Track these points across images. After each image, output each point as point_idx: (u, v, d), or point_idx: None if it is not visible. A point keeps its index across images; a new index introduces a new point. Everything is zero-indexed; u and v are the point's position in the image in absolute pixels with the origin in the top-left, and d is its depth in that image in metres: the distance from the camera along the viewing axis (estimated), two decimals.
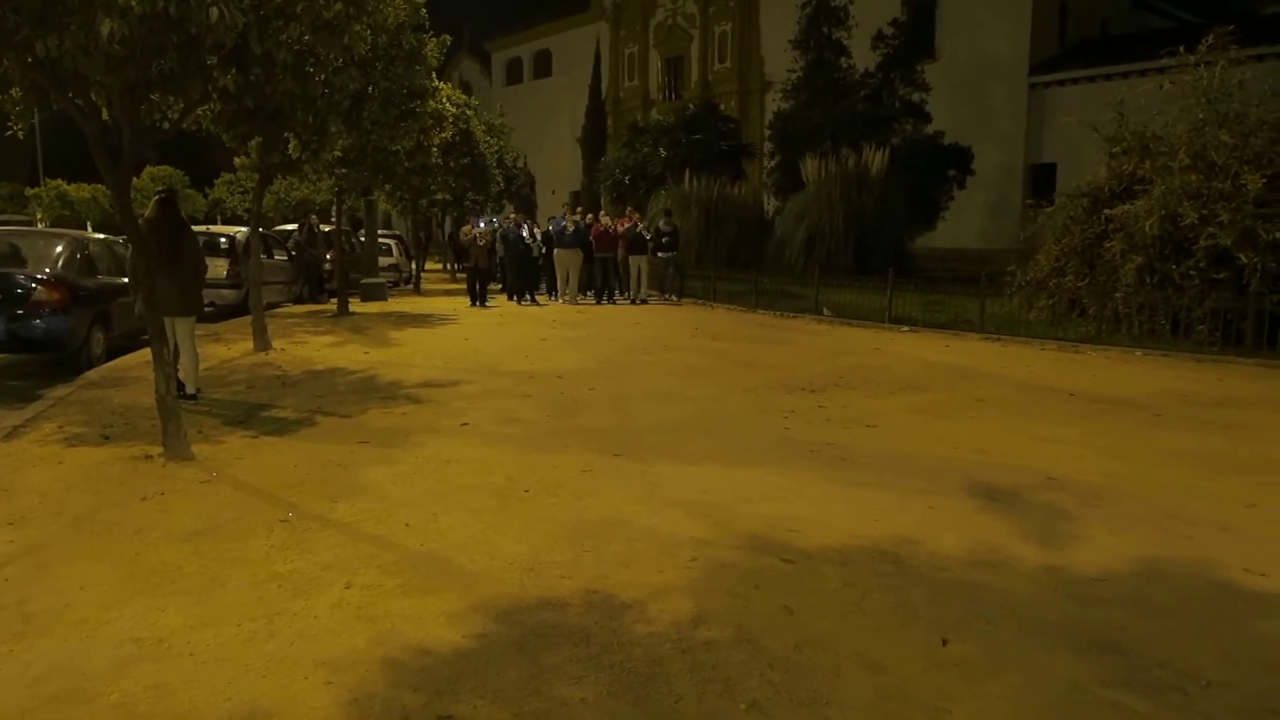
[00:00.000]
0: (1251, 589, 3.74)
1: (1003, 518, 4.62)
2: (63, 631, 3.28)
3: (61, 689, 2.87)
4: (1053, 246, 12.92)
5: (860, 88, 24.89)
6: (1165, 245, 10.91)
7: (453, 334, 12.69)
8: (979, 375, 9.22)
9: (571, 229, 17.38)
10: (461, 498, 4.89)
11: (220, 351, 10.35)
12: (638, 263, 17.93)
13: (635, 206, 21.09)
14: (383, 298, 18.30)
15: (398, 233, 28.67)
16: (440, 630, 3.28)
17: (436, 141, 14.75)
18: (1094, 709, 2.80)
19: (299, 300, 17.66)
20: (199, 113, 7.70)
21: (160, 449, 5.64)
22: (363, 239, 22.10)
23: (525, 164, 33.41)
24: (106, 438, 6.19)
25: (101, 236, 11.16)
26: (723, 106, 31.85)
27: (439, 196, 21.87)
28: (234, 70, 5.90)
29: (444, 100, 14.65)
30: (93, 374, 8.77)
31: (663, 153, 25.20)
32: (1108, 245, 11.70)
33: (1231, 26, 11.75)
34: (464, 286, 19.04)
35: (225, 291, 14.38)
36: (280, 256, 17.15)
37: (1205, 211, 10.41)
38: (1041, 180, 25.46)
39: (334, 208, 17.58)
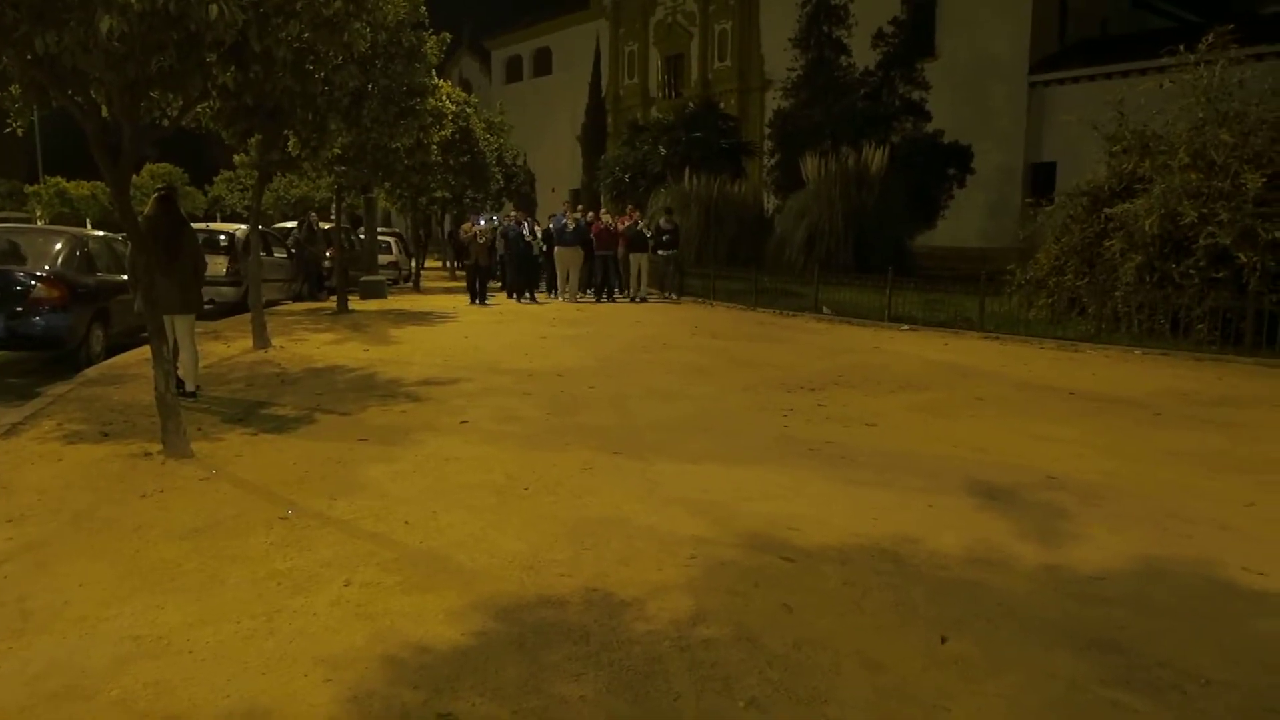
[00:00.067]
0: (1251, 588, 3.74)
1: (1002, 516, 4.62)
2: (62, 629, 3.28)
3: (61, 686, 2.87)
4: (1052, 245, 12.92)
5: (860, 86, 24.88)
6: (1165, 244, 10.91)
7: (452, 332, 12.69)
8: (978, 374, 9.22)
9: (572, 227, 17.37)
10: (461, 495, 4.89)
11: (220, 349, 10.35)
12: (638, 261, 17.91)
13: (635, 205, 21.08)
14: (382, 295, 18.29)
15: (397, 230, 28.67)
16: (439, 628, 3.28)
17: (436, 139, 14.74)
18: (1093, 708, 2.80)
19: (298, 298, 17.65)
20: (198, 110, 7.69)
21: (159, 446, 5.64)
22: (362, 236, 22.08)
23: (525, 162, 33.41)
24: (106, 435, 6.19)
25: (101, 234, 11.14)
26: (723, 105, 31.84)
27: (438, 194, 21.85)
28: (233, 67, 5.89)
29: (444, 98, 14.63)
30: (92, 371, 8.77)
31: (662, 151, 25.18)
32: (1107, 244, 11.70)
33: (1231, 26, 11.74)
34: (464, 284, 19.04)
35: (225, 289, 14.37)
36: (280, 254, 17.14)
37: (1205, 210, 10.41)
38: (1041, 179, 25.46)
39: (333, 205, 17.56)
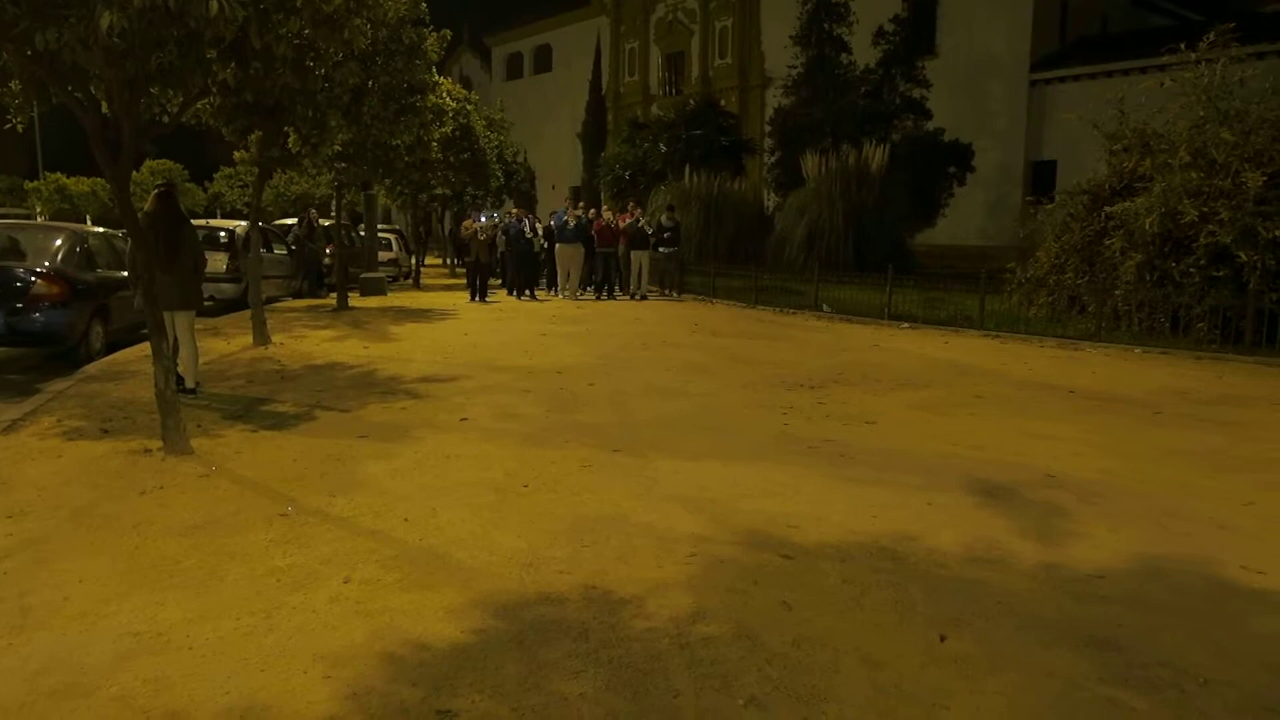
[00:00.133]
0: (1249, 586, 3.75)
1: (1001, 514, 4.63)
2: (61, 625, 3.28)
3: (60, 682, 2.87)
4: (1052, 244, 12.93)
5: (861, 84, 24.89)
6: (1165, 243, 10.91)
7: (452, 329, 12.68)
8: (978, 372, 9.22)
9: (573, 224, 17.36)
10: (460, 493, 4.89)
11: (219, 346, 10.35)
12: (639, 258, 17.90)
13: (635, 202, 21.07)
14: (382, 292, 18.29)
15: (397, 227, 28.65)
16: (439, 625, 3.28)
17: (436, 136, 14.74)
18: (1091, 706, 2.80)
19: (298, 295, 17.65)
20: (198, 106, 7.70)
21: (159, 443, 5.64)
22: (362, 234, 22.09)
23: (525, 159, 33.40)
24: (106, 432, 6.19)
25: (101, 230, 11.15)
26: (723, 102, 31.84)
27: (439, 191, 21.86)
28: (233, 64, 5.88)
29: (444, 95, 14.66)
30: (92, 368, 8.77)
31: (663, 148, 25.18)
32: (1108, 243, 11.70)
33: (1232, 24, 11.74)
34: (464, 281, 19.04)
35: (225, 286, 14.38)
36: (280, 251, 17.14)
37: (1205, 209, 10.41)
38: (1042, 177, 25.47)
39: (333, 202, 17.56)
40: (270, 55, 5.65)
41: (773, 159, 27.12)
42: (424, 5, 12.31)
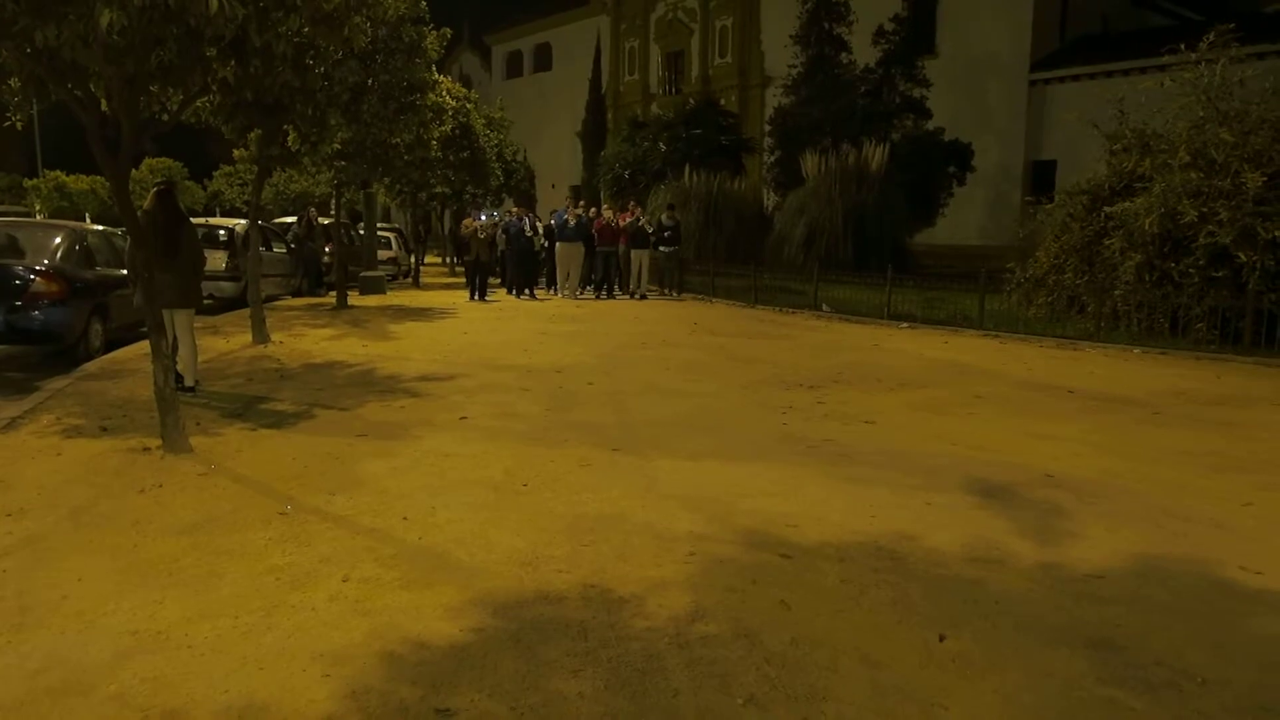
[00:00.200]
0: (1248, 587, 3.75)
1: (1000, 514, 4.63)
2: (60, 623, 3.28)
3: (59, 681, 2.87)
4: (1052, 244, 12.92)
5: (860, 83, 24.88)
6: (1164, 243, 10.91)
7: (452, 328, 12.68)
8: (977, 372, 9.22)
9: (573, 223, 17.35)
10: (459, 491, 4.89)
11: (219, 344, 10.35)
12: (639, 257, 17.90)
13: (636, 201, 21.06)
14: (382, 291, 18.28)
15: (397, 226, 28.64)
16: (438, 624, 3.28)
17: (436, 135, 14.73)
18: (1090, 706, 2.80)
19: (298, 293, 17.65)
20: (198, 105, 7.69)
21: (158, 441, 5.64)
22: (362, 232, 22.08)
23: (525, 158, 33.39)
24: (105, 430, 6.19)
25: (100, 228, 11.14)
26: (723, 101, 31.81)
27: (438, 190, 21.87)
28: (233, 62, 5.88)
29: (444, 93, 14.65)
30: (91, 366, 8.77)
31: (662, 147, 25.15)
32: (1107, 243, 11.70)
33: (1233, 24, 11.74)
34: (463, 280, 19.03)
35: (224, 284, 14.38)
36: (279, 249, 17.14)
37: (1205, 209, 10.41)
38: (1041, 177, 25.47)
39: (333, 201, 17.55)
40: (270, 53, 5.64)
41: (772, 158, 27.10)
42: (424, 3, 12.32)
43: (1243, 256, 10.08)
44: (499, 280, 18.80)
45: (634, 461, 5.57)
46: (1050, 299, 12.66)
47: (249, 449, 5.78)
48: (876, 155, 20.68)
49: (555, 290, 18.41)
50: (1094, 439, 6.36)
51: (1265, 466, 5.69)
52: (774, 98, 30.05)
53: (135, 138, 5.61)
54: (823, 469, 5.45)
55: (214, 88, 6.40)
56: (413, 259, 23.81)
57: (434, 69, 13.30)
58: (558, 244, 17.60)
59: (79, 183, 38.60)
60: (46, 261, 8.91)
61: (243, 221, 14.86)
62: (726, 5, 36.73)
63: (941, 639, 3.22)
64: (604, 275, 18.18)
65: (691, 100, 30.29)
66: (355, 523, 4.39)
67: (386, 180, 17.76)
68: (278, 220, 23.08)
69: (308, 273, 18.14)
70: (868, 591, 3.64)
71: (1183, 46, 11.69)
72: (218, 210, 39.43)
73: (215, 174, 43.45)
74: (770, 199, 26.35)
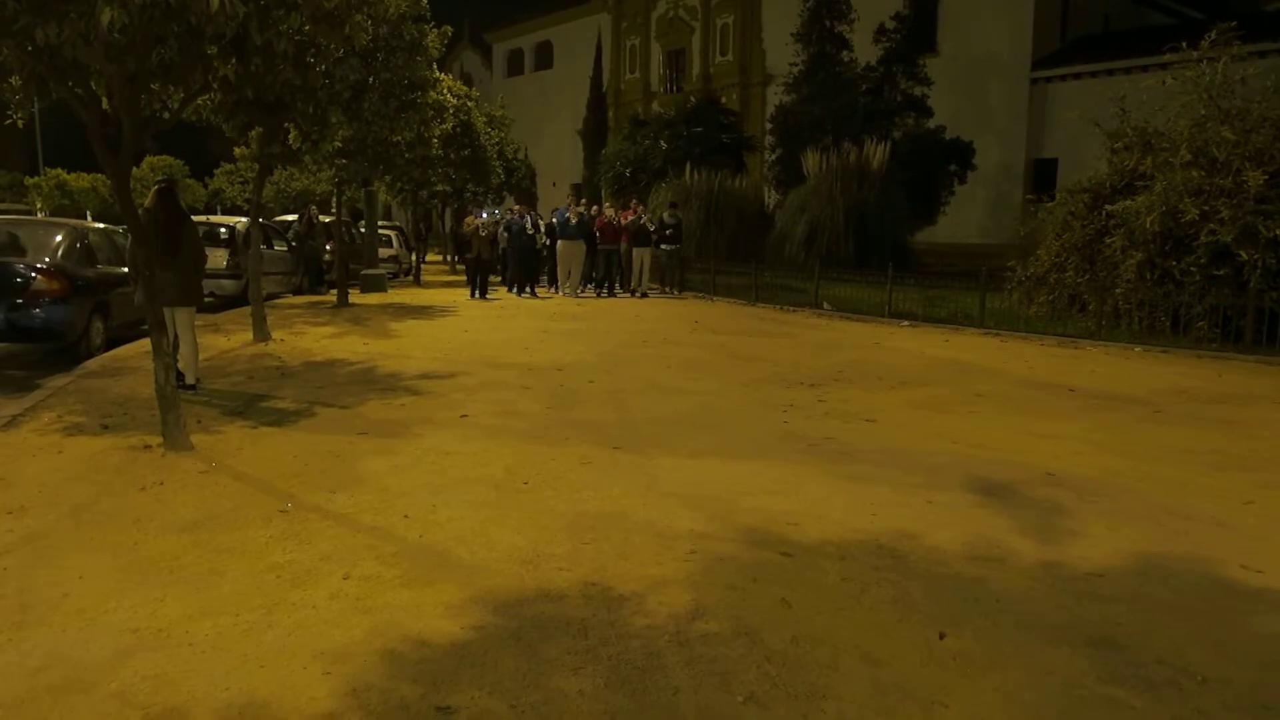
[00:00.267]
0: (1248, 585, 3.75)
1: (1001, 513, 4.63)
2: (61, 621, 3.29)
3: (60, 678, 2.87)
4: (1053, 242, 12.91)
5: (862, 82, 24.85)
6: (1166, 241, 10.90)
7: (452, 326, 12.68)
8: (978, 370, 9.22)
9: (575, 221, 17.34)
10: (460, 489, 4.89)
11: (220, 342, 10.35)
12: (641, 255, 17.88)
13: (638, 199, 21.04)
14: (382, 289, 18.28)
15: (398, 224, 28.63)
16: (438, 622, 3.29)
17: (437, 133, 14.75)
18: (1090, 704, 2.80)
19: (299, 291, 17.64)
20: (199, 102, 7.69)
21: (159, 439, 5.64)
22: (363, 230, 22.07)
23: (526, 156, 33.38)
24: (106, 428, 6.20)
25: (101, 226, 11.14)
26: (724, 99, 31.78)
27: (439, 188, 21.84)
28: (234, 60, 5.88)
29: (445, 91, 14.66)
30: (92, 364, 8.77)
31: (663, 146, 25.14)
32: (1108, 241, 11.69)
33: (1234, 23, 11.71)
34: (464, 278, 19.02)
35: (225, 282, 14.38)
36: (280, 247, 17.13)
37: (1206, 208, 10.40)
38: (1042, 175, 25.44)
39: (334, 199, 17.55)
40: (271, 51, 5.64)
41: (773, 156, 27.07)
42: (425, 1, 12.31)
43: (1244, 255, 10.07)
44: (500, 278, 18.80)
45: (635, 459, 5.57)
46: (1051, 297, 12.65)
47: (250, 447, 5.78)
48: (878, 153, 20.67)
49: (556, 288, 18.40)
50: (1095, 437, 6.35)
51: (1266, 465, 5.69)
52: (775, 96, 30.02)
53: (136, 136, 5.61)
54: (824, 467, 5.45)
55: (215, 86, 6.41)
56: (414, 257, 23.80)
57: (435, 67, 13.31)
58: (559, 242, 17.58)
59: (80, 181, 38.59)
60: (48, 259, 8.91)
61: (244, 219, 14.86)
62: (727, 3, 36.68)
63: (942, 637, 3.22)
64: (605, 273, 18.16)
65: (692, 98, 30.24)
66: (356, 521, 4.39)
67: (387, 178, 17.74)
68: (279, 218, 23.06)
69: (309, 271, 18.14)
70: (868, 590, 3.64)
71: (1184, 45, 11.67)
72: (219, 208, 39.42)
73: (216, 172, 43.43)
74: (771, 197, 26.32)
